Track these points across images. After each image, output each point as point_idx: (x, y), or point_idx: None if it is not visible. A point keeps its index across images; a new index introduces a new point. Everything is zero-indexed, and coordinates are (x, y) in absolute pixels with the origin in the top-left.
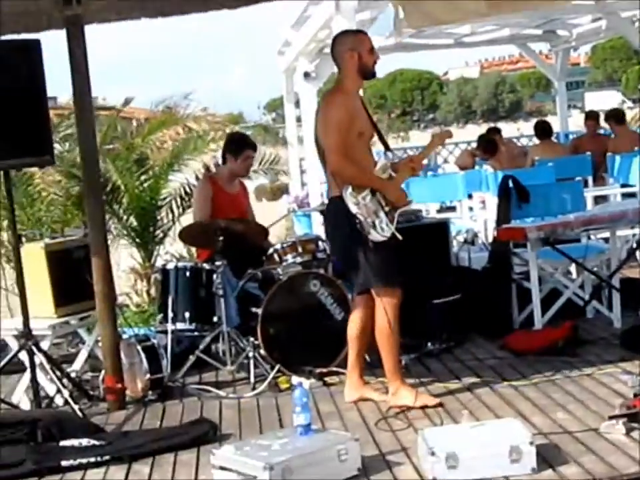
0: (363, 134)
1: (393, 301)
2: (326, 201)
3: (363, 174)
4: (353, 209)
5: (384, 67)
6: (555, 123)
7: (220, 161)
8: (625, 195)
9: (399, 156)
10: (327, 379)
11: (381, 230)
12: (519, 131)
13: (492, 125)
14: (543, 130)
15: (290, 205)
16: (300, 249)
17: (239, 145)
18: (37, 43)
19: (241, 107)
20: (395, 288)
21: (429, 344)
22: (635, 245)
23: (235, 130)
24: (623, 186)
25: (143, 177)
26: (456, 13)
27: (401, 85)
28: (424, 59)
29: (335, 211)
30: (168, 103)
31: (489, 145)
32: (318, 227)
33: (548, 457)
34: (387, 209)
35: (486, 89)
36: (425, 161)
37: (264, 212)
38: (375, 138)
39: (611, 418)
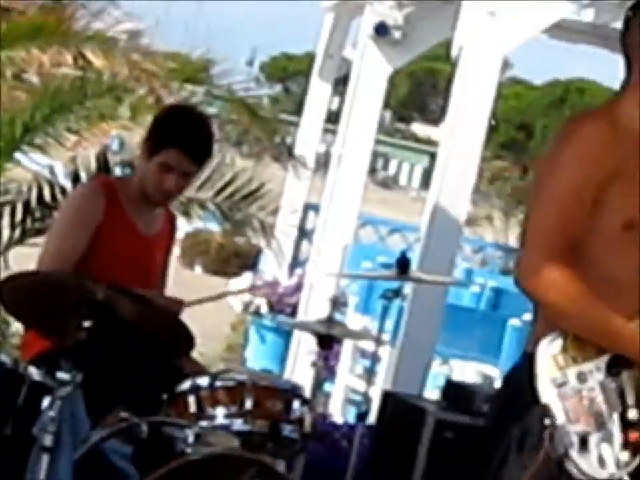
0: (636, 229)
1: None
2: (337, 316)
3: (602, 313)
4: (547, 392)
5: (547, 66)
6: None
7: (114, 151)
8: None
9: None
10: None
11: (597, 461)
12: None
13: None
14: None
15: (252, 298)
16: (248, 403)
17: (162, 131)
18: None
19: (218, 46)
20: None
21: None
22: None
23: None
24: None
25: None
26: None
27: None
28: None
29: (513, 383)
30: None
31: None
32: (299, 364)
33: None
34: (633, 414)
35: None
36: None
37: (193, 291)
38: None
39: None
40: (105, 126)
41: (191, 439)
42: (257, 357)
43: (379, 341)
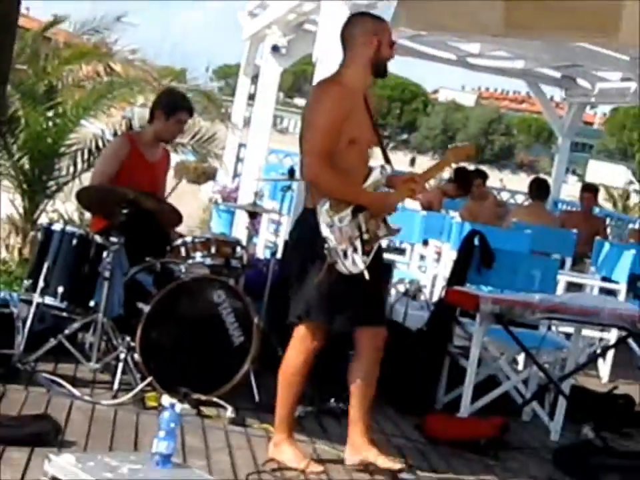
0: (356, 142)
1: (311, 341)
2: (258, 202)
3: (346, 187)
4: (325, 231)
5: None
6: None
7: (133, 120)
8: (604, 291)
9: (401, 172)
10: (202, 408)
11: (352, 263)
12: (501, 182)
13: (474, 167)
14: (539, 189)
15: (213, 195)
16: (213, 249)
17: (174, 103)
18: None
19: (184, 61)
20: (322, 324)
21: (332, 400)
22: (599, 351)
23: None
24: (605, 279)
25: (50, 114)
26: (464, 21)
27: (378, 91)
28: (415, 68)
29: (302, 225)
30: (96, 26)
31: (466, 181)
32: (239, 229)
33: None
34: (365, 236)
35: (478, 123)
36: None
37: (180, 194)
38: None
39: None
40: (125, 105)
41: (183, 270)
42: (217, 226)
43: (280, 215)
